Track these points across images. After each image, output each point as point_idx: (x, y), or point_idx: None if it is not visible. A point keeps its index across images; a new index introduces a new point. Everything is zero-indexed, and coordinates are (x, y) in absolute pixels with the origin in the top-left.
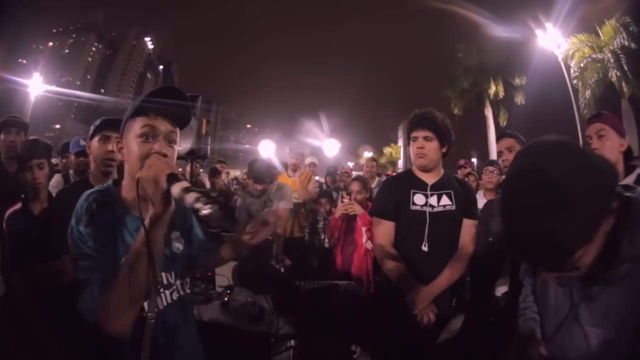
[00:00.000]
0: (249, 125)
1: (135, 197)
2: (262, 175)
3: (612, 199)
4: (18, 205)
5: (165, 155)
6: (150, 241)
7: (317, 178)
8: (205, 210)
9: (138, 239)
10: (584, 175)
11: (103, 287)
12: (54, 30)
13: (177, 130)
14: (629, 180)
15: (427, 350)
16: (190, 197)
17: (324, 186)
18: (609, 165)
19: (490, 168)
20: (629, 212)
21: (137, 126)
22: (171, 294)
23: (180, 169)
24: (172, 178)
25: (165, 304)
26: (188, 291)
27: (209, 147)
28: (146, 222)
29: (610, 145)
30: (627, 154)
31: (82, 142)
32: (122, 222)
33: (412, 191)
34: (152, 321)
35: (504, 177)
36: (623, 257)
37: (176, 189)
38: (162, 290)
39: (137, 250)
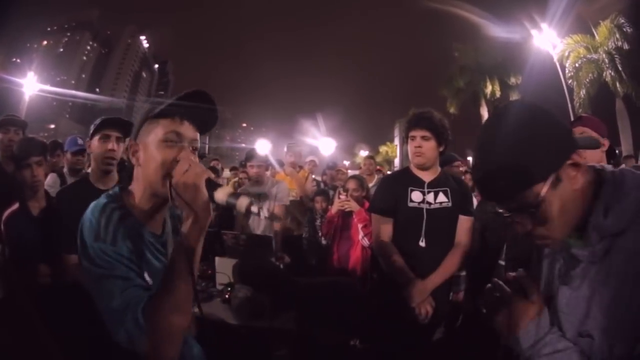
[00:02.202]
0: (244, 124)
1: (149, 207)
2: (254, 154)
3: (552, 155)
4: (15, 206)
5: None
6: (190, 253)
7: (313, 176)
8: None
9: (175, 253)
10: (537, 120)
11: (143, 313)
12: (49, 29)
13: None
14: None
15: (425, 345)
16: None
17: (322, 184)
18: (561, 122)
19: (456, 163)
20: (605, 187)
21: (160, 130)
22: None
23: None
24: (211, 183)
25: None
26: None
27: (207, 145)
28: (185, 229)
29: None
30: (609, 153)
31: (80, 141)
32: (140, 237)
33: (409, 188)
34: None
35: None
36: (600, 230)
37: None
38: None
39: (177, 269)
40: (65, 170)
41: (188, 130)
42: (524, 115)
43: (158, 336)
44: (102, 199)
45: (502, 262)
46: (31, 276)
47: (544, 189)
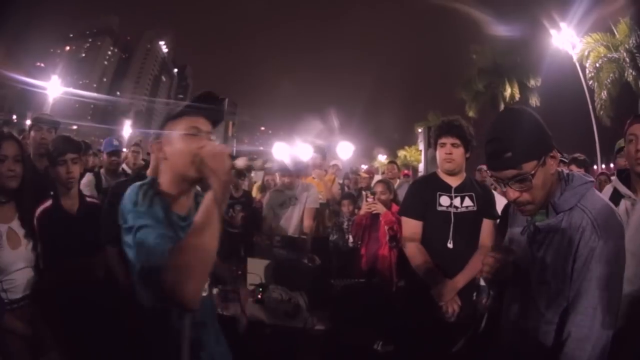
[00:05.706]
0: (263, 128)
1: (176, 193)
2: (286, 166)
3: (543, 144)
4: (48, 203)
5: None
6: (219, 206)
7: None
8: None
9: (206, 202)
10: (528, 122)
11: (166, 254)
12: (71, 35)
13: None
14: None
15: (451, 343)
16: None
17: (345, 188)
18: (543, 126)
19: (484, 167)
20: (563, 181)
21: (182, 126)
22: None
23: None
24: (231, 157)
25: None
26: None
27: (234, 148)
28: (214, 189)
29: None
30: None
31: (115, 142)
32: (166, 215)
33: (438, 193)
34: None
35: None
36: (555, 206)
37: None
38: None
39: (208, 213)
40: (102, 170)
41: (204, 124)
42: (531, 116)
43: (182, 271)
44: (138, 184)
45: None
46: (64, 273)
47: (537, 165)
